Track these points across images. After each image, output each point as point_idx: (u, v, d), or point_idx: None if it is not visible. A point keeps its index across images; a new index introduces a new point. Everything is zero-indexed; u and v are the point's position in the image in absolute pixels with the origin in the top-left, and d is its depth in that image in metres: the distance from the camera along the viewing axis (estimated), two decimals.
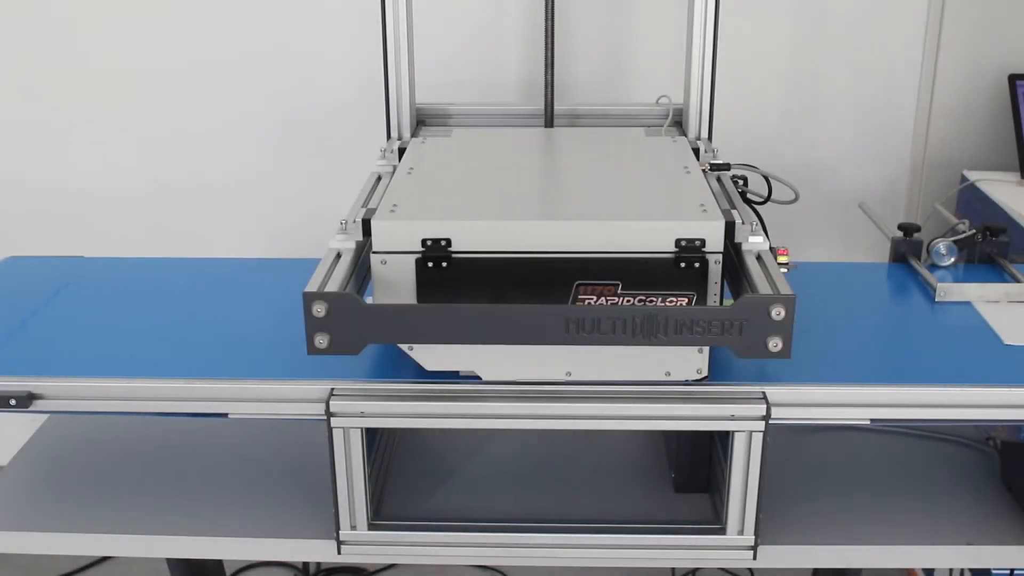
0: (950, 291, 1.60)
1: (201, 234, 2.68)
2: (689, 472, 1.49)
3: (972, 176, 2.45)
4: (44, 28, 2.52)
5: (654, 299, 1.30)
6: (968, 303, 1.59)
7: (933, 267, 1.70)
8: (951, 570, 2.02)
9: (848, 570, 1.81)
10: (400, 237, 1.30)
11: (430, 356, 1.32)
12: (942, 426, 1.64)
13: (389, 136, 1.91)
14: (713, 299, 1.31)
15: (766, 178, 1.69)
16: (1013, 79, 2.48)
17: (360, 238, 1.37)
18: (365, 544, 1.41)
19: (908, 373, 1.39)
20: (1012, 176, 2.45)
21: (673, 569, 2.39)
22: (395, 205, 1.36)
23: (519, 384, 1.33)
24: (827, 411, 1.34)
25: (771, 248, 1.35)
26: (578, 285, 1.30)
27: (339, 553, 1.41)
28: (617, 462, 1.59)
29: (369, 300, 1.25)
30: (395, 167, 1.60)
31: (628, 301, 1.30)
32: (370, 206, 1.42)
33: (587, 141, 1.78)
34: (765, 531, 1.38)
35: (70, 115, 2.59)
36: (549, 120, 1.99)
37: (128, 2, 2.50)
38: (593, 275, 1.30)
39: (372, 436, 1.42)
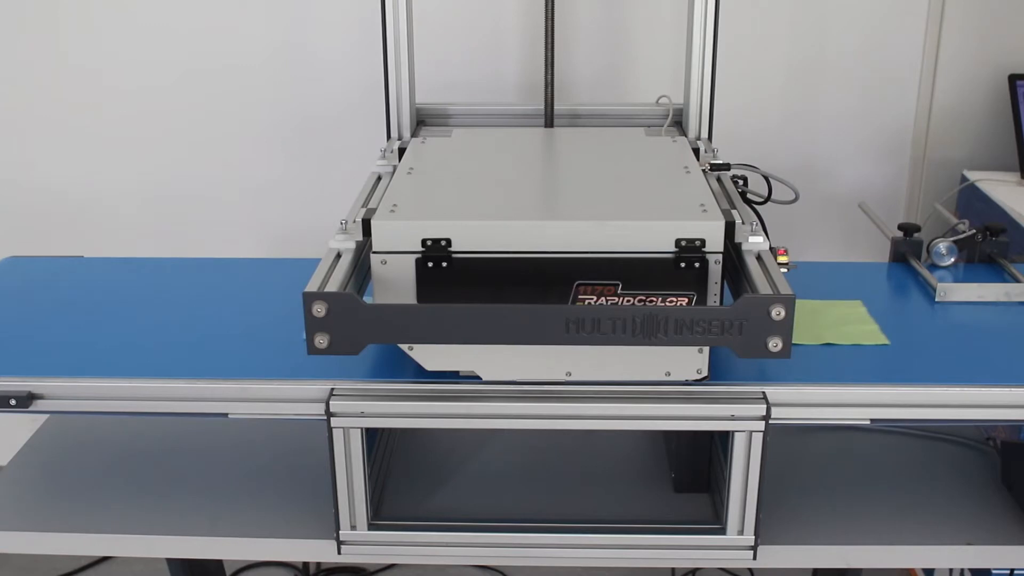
0: (950, 291, 1.60)
1: (201, 234, 2.68)
2: (689, 472, 1.49)
3: (972, 176, 2.45)
4: (47, 30, 2.52)
5: (654, 299, 1.30)
6: (968, 303, 1.59)
7: (933, 267, 1.70)
8: (951, 570, 2.02)
9: (848, 570, 1.81)
10: (400, 237, 1.30)
11: (430, 356, 1.32)
12: (942, 426, 1.64)
13: (389, 136, 1.91)
14: (713, 299, 1.31)
15: (766, 178, 1.68)
16: (1013, 79, 2.48)
17: (360, 238, 1.37)
18: (365, 544, 1.41)
19: (908, 373, 1.39)
20: (1012, 176, 2.45)
21: (673, 569, 2.39)
22: (395, 205, 1.36)
23: (519, 384, 1.33)
24: (827, 411, 1.34)
25: (771, 248, 1.35)
26: (578, 285, 1.30)
27: (339, 553, 1.41)
28: (617, 462, 1.59)
29: (369, 300, 1.25)
30: (395, 167, 1.59)
31: (628, 301, 1.30)
32: (370, 206, 1.42)
33: (587, 141, 1.77)
34: (765, 531, 1.38)
35: (71, 116, 2.59)
36: (549, 120, 1.99)
37: (130, 4, 2.50)
38: (593, 275, 1.30)
39: (372, 436, 1.42)
